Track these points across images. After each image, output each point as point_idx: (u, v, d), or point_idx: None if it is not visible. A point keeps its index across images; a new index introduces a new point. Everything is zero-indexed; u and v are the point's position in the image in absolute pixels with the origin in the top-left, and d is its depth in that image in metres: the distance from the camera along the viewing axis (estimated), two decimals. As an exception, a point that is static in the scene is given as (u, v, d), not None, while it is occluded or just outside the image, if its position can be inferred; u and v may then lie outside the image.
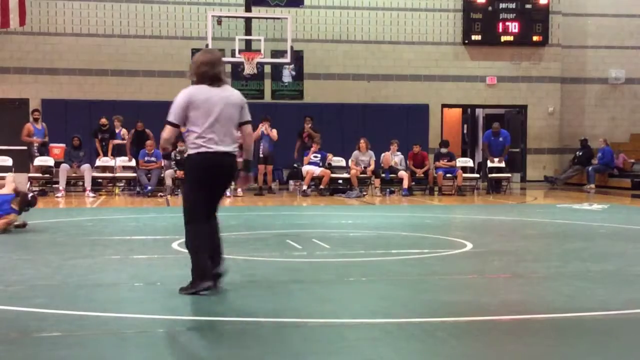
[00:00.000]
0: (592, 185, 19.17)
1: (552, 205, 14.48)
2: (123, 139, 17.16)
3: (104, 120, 17.39)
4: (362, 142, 17.19)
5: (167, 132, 5.65)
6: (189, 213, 5.62)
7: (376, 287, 5.83)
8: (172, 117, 5.61)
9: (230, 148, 5.75)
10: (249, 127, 5.91)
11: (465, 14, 21.44)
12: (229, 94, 5.75)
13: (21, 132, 16.85)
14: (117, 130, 17.31)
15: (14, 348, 4.03)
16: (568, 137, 22.38)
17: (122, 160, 17.15)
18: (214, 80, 5.67)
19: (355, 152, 17.20)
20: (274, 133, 16.69)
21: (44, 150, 16.84)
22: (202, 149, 5.60)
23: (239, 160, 5.88)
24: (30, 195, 9.45)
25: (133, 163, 16.93)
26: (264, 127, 16.63)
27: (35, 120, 17.09)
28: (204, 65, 5.67)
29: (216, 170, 5.66)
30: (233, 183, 6.40)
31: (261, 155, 16.83)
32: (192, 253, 5.55)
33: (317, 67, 20.90)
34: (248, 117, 5.87)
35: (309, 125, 17.54)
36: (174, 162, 16.26)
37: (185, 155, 5.79)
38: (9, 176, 10.02)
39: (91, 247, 7.88)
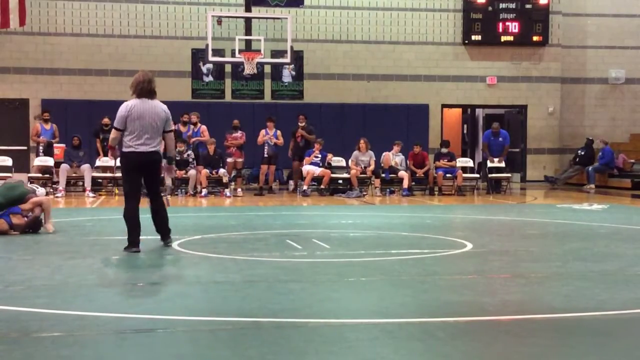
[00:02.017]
0: (592, 185, 19.17)
1: (552, 205, 14.48)
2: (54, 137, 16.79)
3: (106, 120, 17.37)
4: (362, 143, 17.20)
5: (113, 134, 7.70)
6: (124, 195, 7.78)
7: (376, 287, 5.83)
8: (117, 124, 7.60)
9: (154, 148, 7.62)
10: (170, 134, 7.89)
11: (465, 14, 21.43)
12: (159, 109, 7.65)
13: (22, 132, 16.87)
14: (46, 128, 17.00)
15: (14, 348, 4.03)
16: (568, 137, 22.39)
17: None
18: (150, 94, 7.63)
19: (355, 152, 17.20)
20: (280, 141, 16.95)
21: (50, 150, 16.84)
22: (131, 149, 7.54)
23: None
24: (38, 224, 9.14)
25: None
26: (268, 137, 16.80)
27: (45, 121, 17.10)
28: (143, 83, 7.60)
29: (140, 164, 7.59)
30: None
31: (265, 156, 16.89)
32: (126, 222, 7.59)
33: (317, 67, 20.90)
34: (170, 127, 7.84)
35: (303, 124, 17.51)
36: (173, 162, 16.24)
37: (120, 152, 7.71)
38: (48, 201, 9.73)
39: (91, 247, 7.89)
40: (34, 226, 9.08)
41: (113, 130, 7.69)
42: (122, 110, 7.62)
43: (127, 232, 7.59)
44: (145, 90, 7.59)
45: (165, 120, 7.70)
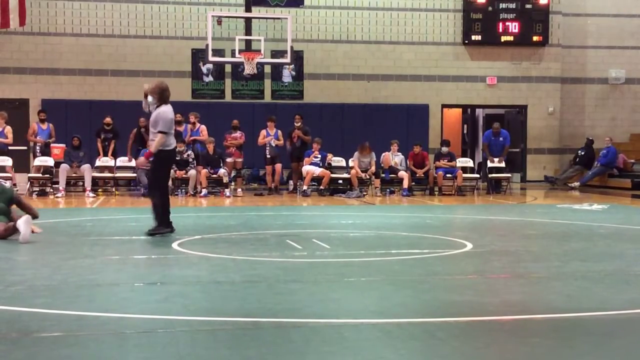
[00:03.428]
0: (577, 184, 19.30)
1: (552, 205, 14.48)
2: (7, 137, 16.53)
3: (108, 119, 17.37)
4: (367, 148, 17.07)
5: (162, 138, 8.76)
6: (160, 187, 9.08)
7: (376, 287, 5.83)
8: (168, 129, 8.79)
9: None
10: None
11: (465, 14, 21.43)
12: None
13: (22, 132, 16.87)
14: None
15: (14, 348, 4.03)
16: (568, 137, 22.39)
17: (122, 160, 17.16)
18: (169, 100, 8.98)
19: (357, 154, 17.09)
20: (281, 142, 17.04)
21: (47, 150, 16.84)
22: (169, 147, 8.97)
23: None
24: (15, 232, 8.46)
25: (133, 163, 16.94)
26: (269, 139, 16.87)
27: (42, 120, 17.10)
28: (167, 91, 8.99)
29: (174, 159, 9.55)
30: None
31: (268, 156, 16.90)
32: (162, 209, 8.88)
33: (317, 67, 20.90)
34: None
35: (299, 124, 17.50)
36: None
37: (157, 150, 8.82)
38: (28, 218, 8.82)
39: (91, 247, 7.88)
40: (12, 234, 8.46)
41: (163, 134, 8.76)
42: (169, 114, 8.87)
43: (161, 218, 8.85)
44: (168, 97, 8.99)
45: None
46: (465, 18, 21.45)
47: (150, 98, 9.00)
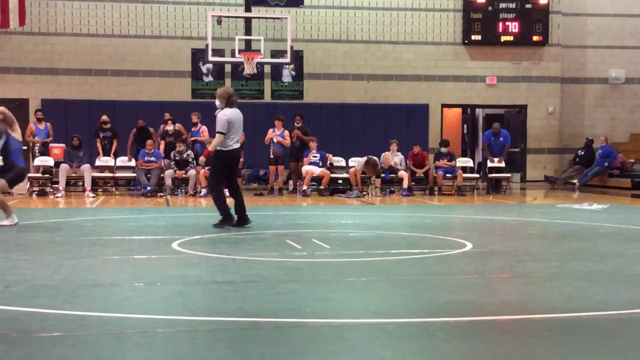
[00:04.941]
0: (577, 183, 19.38)
1: (552, 205, 14.48)
2: None
3: (105, 117, 17.35)
4: (375, 167, 16.91)
5: (219, 138, 9.40)
6: (216, 185, 9.80)
7: (376, 287, 5.82)
8: (223, 129, 9.40)
9: (239, 146, 9.78)
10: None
11: (465, 14, 21.44)
12: (241, 115, 9.70)
13: (21, 132, 16.87)
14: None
15: (14, 348, 4.02)
16: (568, 137, 22.40)
17: (122, 160, 17.17)
18: (235, 104, 9.65)
19: (363, 166, 16.90)
20: (287, 141, 16.84)
21: (45, 150, 16.84)
22: (230, 148, 9.52)
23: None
24: None
25: (133, 163, 16.95)
26: (274, 137, 16.78)
27: (39, 120, 17.10)
28: (233, 96, 9.67)
29: (234, 159, 9.78)
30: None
31: (271, 156, 16.87)
32: (220, 205, 9.64)
33: (317, 67, 20.91)
34: None
35: (299, 124, 17.48)
36: (173, 162, 16.27)
37: (216, 149, 9.49)
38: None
39: (91, 247, 7.88)
40: None
41: (219, 135, 9.39)
42: (224, 117, 9.45)
43: (223, 213, 9.62)
44: (234, 101, 9.65)
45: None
46: (465, 18, 21.45)
47: (217, 101, 9.71)
